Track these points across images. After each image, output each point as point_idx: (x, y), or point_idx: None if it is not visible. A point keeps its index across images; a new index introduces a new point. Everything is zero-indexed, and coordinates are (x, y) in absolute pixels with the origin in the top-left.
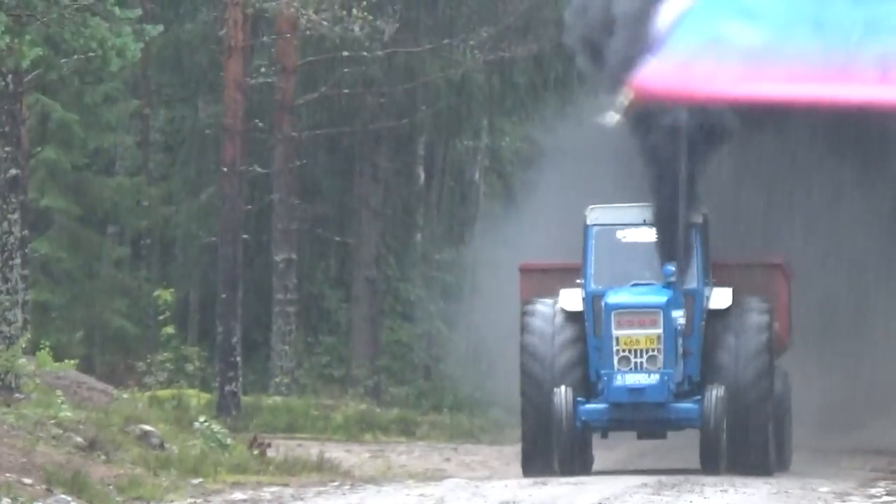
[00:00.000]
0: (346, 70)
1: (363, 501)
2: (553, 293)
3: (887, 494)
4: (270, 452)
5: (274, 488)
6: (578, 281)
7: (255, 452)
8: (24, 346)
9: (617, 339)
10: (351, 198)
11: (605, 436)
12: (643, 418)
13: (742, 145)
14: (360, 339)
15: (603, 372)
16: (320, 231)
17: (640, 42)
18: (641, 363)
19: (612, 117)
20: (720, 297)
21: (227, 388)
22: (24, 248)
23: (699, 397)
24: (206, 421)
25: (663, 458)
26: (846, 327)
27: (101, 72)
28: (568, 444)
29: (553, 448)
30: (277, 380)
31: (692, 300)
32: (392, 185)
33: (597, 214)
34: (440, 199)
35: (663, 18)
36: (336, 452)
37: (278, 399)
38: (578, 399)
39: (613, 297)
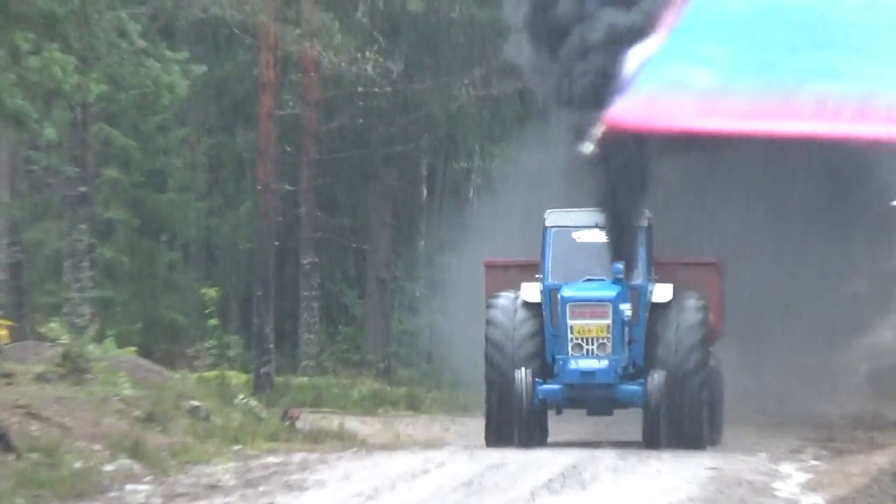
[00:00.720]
0: (360, 103)
1: (377, 464)
2: (515, 287)
3: (814, 459)
4: (299, 424)
5: (302, 454)
6: (537, 276)
7: (286, 424)
8: (91, 335)
9: (571, 328)
10: (365, 211)
11: (559, 412)
12: (593, 398)
13: (690, 164)
14: (372, 330)
15: (559, 357)
16: (339, 239)
17: (609, 86)
18: (592, 349)
19: (588, 146)
20: (662, 292)
21: (262, 369)
22: (92, 253)
23: (643, 380)
24: (244, 397)
25: (609, 433)
26: (776, 318)
27: (155, 105)
28: (527, 419)
29: (513, 423)
30: (304, 363)
31: (637, 294)
32: (399, 201)
33: (554, 218)
34: (440, 212)
35: (629, 65)
36: (353, 424)
37: (305, 379)
38: (536, 380)
39: (568, 291)
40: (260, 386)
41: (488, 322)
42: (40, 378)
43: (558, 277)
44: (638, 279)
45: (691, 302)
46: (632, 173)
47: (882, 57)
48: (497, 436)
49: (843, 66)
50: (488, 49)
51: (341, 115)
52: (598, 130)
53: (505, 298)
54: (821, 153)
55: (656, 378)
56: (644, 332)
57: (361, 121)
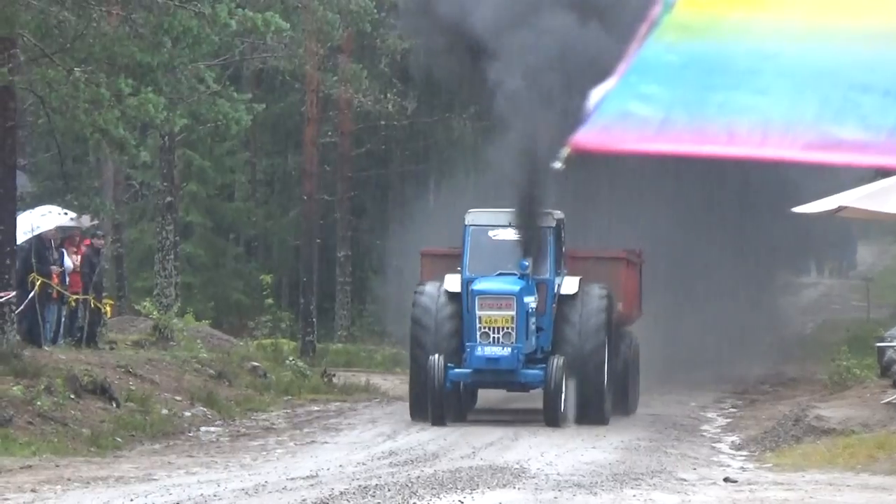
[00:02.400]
0: (382, 133)
1: (395, 412)
2: (447, 274)
3: (732, 407)
4: (335, 380)
5: (337, 403)
6: (458, 268)
7: (325, 380)
8: (175, 311)
9: (480, 318)
10: (386, 216)
11: (465, 387)
12: (498, 381)
13: (622, 175)
14: (391, 307)
15: (468, 344)
16: (366, 237)
17: (574, 117)
18: (498, 338)
19: (558, 165)
20: (569, 285)
21: (307, 338)
22: (176, 248)
23: (545, 365)
24: (293, 359)
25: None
26: (693, 299)
27: (225, 134)
28: (437, 401)
29: (426, 402)
30: (339, 333)
31: (545, 287)
32: (412, 207)
33: (473, 217)
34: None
35: (591, 101)
36: (377, 380)
37: (340, 345)
38: (449, 364)
39: (478, 285)
40: (305, 351)
41: (414, 305)
42: (136, 344)
43: (474, 271)
44: (545, 274)
45: (595, 291)
46: (541, 180)
47: (780, 96)
48: (419, 410)
49: (750, 102)
50: (481, 92)
51: (368, 142)
52: (565, 152)
53: (431, 286)
54: (732, 170)
55: (555, 362)
56: (552, 321)
57: (383, 147)
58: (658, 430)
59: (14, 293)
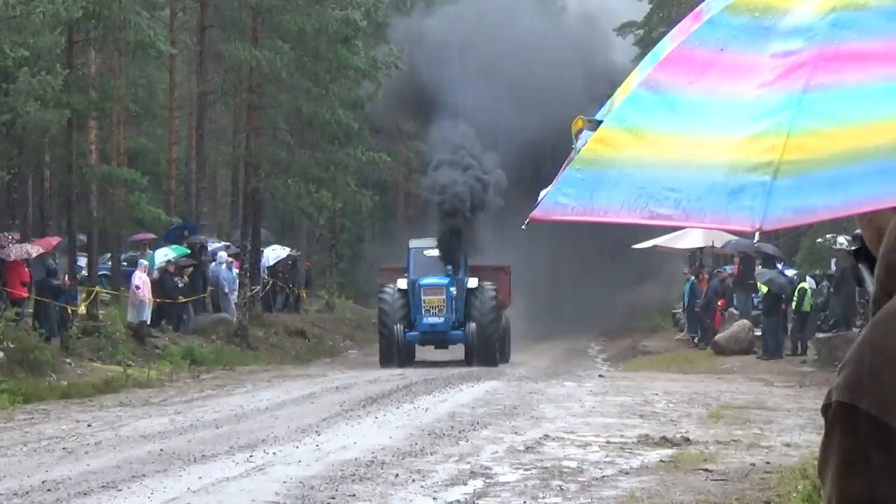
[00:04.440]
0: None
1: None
2: (395, 280)
3: (602, 342)
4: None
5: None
6: (405, 274)
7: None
8: (336, 295)
9: (424, 300)
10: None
11: (421, 345)
12: (437, 339)
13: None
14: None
15: (417, 316)
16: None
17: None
18: (435, 312)
19: (524, 224)
20: (472, 282)
21: None
22: (336, 265)
23: (463, 329)
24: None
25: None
26: (545, 292)
27: None
28: (402, 352)
29: (393, 354)
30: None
31: (460, 283)
32: None
33: (414, 243)
34: None
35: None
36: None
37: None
38: (405, 329)
39: (423, 281)
40: None
41: (380, 299)
42: (317, 311)
43: (417, 274)
44: (459, 275)
45: (487, 286)
46: (458, 226)
47: None
48: (387, 359)
49: None
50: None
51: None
52: (527, 219)
53: (389, 287)
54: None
55: (471, 328)
56: (463, 303)
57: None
58: (558, 359)
59: (258, 287)
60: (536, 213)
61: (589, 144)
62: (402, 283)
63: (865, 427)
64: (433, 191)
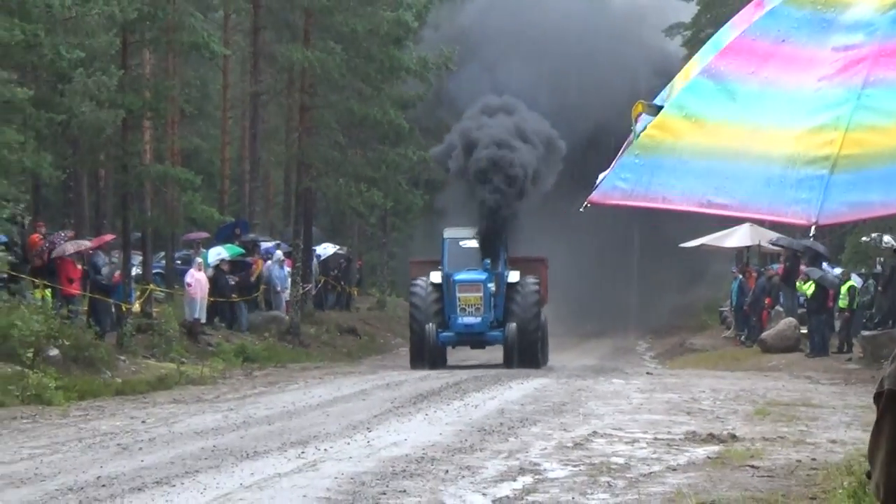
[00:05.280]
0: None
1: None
2: (426, 273)
3: (647, 341)
4: None
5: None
6: (440, 267)
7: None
8: (387, 293)
9: (459, 298)
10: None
11: (454, 347)
12: (472, 340)
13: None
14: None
15: (451, 315)
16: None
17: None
18: (471, 311)
19: (581, 208)
20: (513, 276)
21: None
22: (388, 263)
23: (502, 329)
24: None
25: (483, 357)
26: (585, 289)
27: None
28: (433, 353)
29: (425, 355)
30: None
31: (499, 277)
32: None
33: (449, 232)
34: None
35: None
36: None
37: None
38: (438, 330)
39: (457, 276)
40: None
41: (412, 294)
42: (368, 308)
43: (452, 268)
44: (498, 268)
45: (530, 281)
46: (497, 213)
47: None
48: (418, 361)
49: None
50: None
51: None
52: (585, 203)
53: (422, 280)
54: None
55: (510, 328)
56: (503, 299)
57: None
58: (606, 354)
59: (311, 285)
60: (594, 196)
61: (648, 130)
62: (436, 277)
63: None
64: (474, 175)
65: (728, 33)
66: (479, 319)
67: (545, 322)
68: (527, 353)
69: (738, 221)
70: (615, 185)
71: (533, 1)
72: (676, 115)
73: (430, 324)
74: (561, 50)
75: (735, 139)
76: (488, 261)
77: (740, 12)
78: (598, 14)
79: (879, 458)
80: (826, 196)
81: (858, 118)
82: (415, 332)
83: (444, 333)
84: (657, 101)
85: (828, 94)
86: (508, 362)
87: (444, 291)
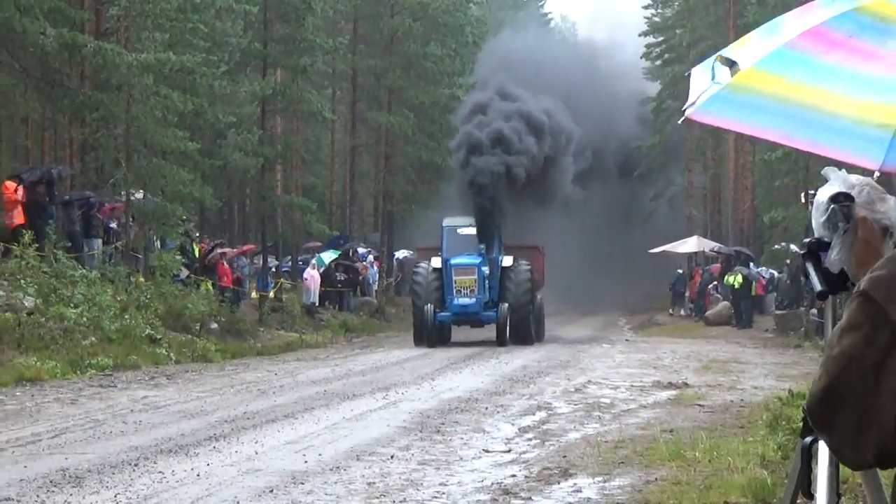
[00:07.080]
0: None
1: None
2: (429, 260)
3: (628, 317)
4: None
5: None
6: (440, 253)
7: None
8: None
9: (455, 280)
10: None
11: (455, 326)
12: (468, 320)
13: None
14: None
15: (448, 297)
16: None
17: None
18: (466, 293)
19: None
20: (507, 260)
21: None
22: None
23: (496, 310)
24: None
25: (479, 335)
26: (580, 273)
27: None
28: (432, 333)
29: (425, 334)
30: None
31: (494, 262)
32: None
33: (448, 221)
34: None
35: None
36: None
37: None
38: (437, 310)
39: (454, 260)
40: None
41: (413, 275)
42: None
43: (450, 253)
44: (493, 253)
45: (522, 266)
46: (493, 201)
47: None
48: (419, 339)
49: None
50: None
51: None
52: (682, 115)
53: (423, 265)
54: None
55: (502, 308)
56: (497, 282)
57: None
58: (599, 328)
59: (392, 279)
60: (693, 112)
61: (739, 76)
62: (437, 262)
63: (872, 309)
64: (471, 167)
65: (788, 20)
66: (473, 300)
67: (541, 303)
68: (520, 331)
69: (691, 232)
70: (709, 111)
71: (537, 57)
72: (761, 71)
73: (429, 304)
74: (562, 88)
75: (809, 96)
76: (483, 246)
77: (805, 5)
78: (588, 66)
79: (838, 333)
80: (888, 151)
81: None
82: (415, 313)
83: (442, 314)
84: (705, 64)
85: (888, 78)
86: (500, 340)
87: (443, 275)
